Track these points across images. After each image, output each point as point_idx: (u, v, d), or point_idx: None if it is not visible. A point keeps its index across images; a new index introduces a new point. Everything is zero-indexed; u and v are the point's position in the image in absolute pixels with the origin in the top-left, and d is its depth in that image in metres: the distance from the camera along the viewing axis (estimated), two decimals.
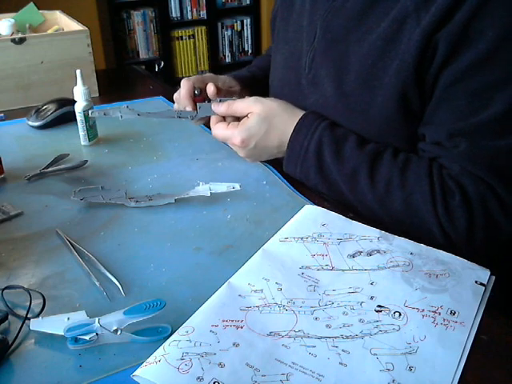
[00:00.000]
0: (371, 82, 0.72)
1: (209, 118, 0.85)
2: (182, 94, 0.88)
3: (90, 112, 0.87)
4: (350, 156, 0.72)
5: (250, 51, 3.63)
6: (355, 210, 0.74)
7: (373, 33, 0.72)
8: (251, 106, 0.78)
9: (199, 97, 0.88)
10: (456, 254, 0.62)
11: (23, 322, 0.53)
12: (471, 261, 0.61)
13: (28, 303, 0.55)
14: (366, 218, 0.70)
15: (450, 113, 0.68)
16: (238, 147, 0.80)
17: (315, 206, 0.73)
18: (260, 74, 1.04)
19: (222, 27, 3.51)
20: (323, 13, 0.79)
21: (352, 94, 0.75)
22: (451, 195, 0.67)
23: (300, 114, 0.78)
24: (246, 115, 0.79)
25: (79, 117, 0.94)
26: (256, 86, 1.00)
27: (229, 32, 3.54)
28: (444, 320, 0.53)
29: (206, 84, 0.87)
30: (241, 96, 0.94)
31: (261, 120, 0.77)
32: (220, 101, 0.82)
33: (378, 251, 0.63)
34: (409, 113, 0.72)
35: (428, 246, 0.64)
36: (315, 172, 0.75)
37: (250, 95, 0.84)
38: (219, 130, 0.81)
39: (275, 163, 0.88)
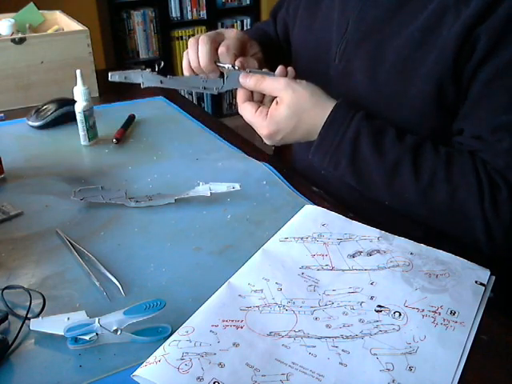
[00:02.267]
0: (407, 73, 0.72)
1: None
2: (204, 59, 0.79)
3: (110, 75, 0.77)
4: (390, 148, 0.70)
5: None
6: (356, 210, 0.73)
7: (410, 24, 0.72)
8: (281, 91, 0.74)
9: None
10: (494, 252, 0.63)
11: (23, 322, 0.53)
12: (472, 260, 0.61)
13: (28, 303, 0.55)
14: (366, 218, 0.70)
15: (491, 108, 0.68)
16: (264, 136, 0.76)
17: (315, 206, 0.73)
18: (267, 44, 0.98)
19: (222, 27, 3.51)
20: (356, 4, 0.79)
21: (386, 84, 0.75)
22: (498, 190, 0.67)
23: (331, 104, 0.74)
24: (274, 98, 0.75)
25: (79, 117, 0.94)
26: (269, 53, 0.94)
27: None
28: (444, 320, 0.53)
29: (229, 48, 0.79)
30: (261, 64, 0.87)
31: (290, 115, 0.73)
32: (250, 71, 0.76)
33: (378, 251, 0.63)
34: (442, 105, 0.72)
35: (467, 243, 0.63)
36: (347, 163, 0.72)
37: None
38: (246, 112, 0.77)
39: (276, 162, 0.88)
